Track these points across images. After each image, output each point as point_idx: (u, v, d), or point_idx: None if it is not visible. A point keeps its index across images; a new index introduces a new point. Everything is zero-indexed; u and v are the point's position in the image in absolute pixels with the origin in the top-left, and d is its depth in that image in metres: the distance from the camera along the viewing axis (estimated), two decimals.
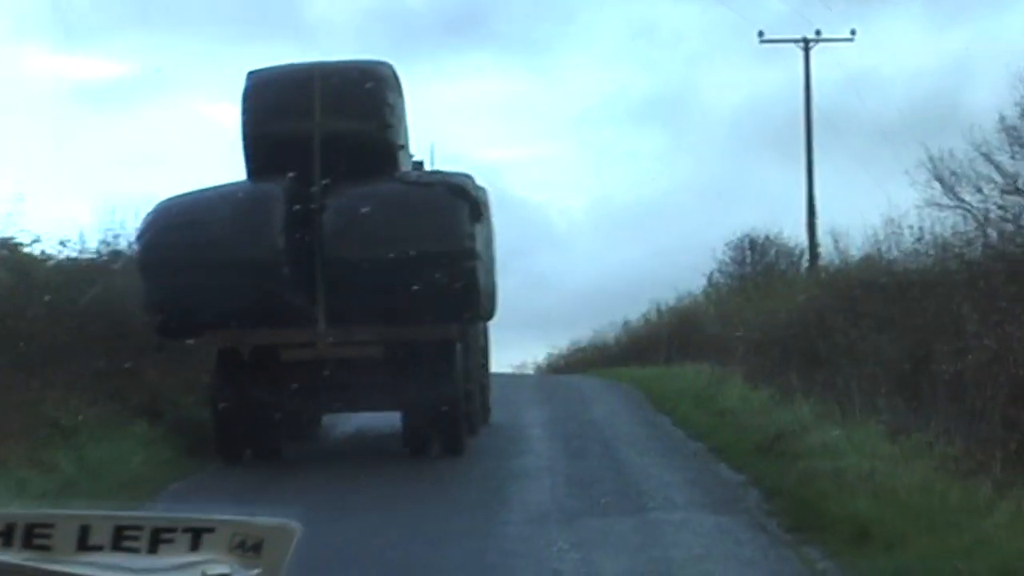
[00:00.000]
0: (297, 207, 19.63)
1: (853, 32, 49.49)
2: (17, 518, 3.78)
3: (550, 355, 54.50)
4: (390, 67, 21.27)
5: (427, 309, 19.45)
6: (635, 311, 47.50)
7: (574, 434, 23.44)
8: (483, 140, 73.27)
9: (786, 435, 19.26)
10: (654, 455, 20.77)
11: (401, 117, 21.19)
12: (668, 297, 46.13)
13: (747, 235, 49.23)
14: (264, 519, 3.80)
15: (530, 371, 51.52)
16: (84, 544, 3.77)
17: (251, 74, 20.95)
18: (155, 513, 3.85)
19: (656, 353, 41.07)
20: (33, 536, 3.76)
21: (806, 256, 48.24)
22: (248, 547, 3.77)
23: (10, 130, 56.27)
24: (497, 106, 73.27)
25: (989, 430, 15.43)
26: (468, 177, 20.85)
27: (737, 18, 68.62)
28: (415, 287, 19.04)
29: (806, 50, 49.35)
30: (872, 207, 51.39)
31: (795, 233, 48.41)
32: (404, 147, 21.41)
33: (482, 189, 21.38)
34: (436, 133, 53.11)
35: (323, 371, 19.94)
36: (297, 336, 19.89)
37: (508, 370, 43.40)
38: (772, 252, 49.45)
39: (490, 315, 23.00)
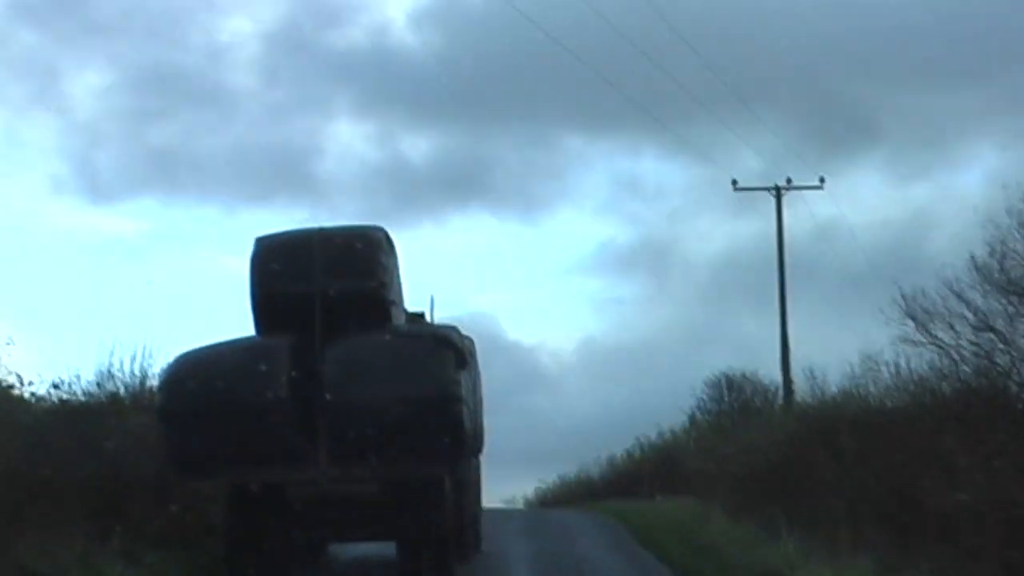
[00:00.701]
0: (300, 358, 20.90)
1: (822, 180, 50.04)
2: None
3: (539, 489, 53.72)
4: (383, 231, 22.57)
5: (417, 448, 20.56)
6: (620, 446, 47.27)
7: (560, 571, 22.43)
8: (480, 287, 78.12)
9: (773, 574, 18.24)
10: None
11: (394, 276, 22.49)
12: (651, 433, 45.52)
13: (724, 374, 48.91)
14: None
15: (520, 505, 50.65)
16: None
17: (259, 240, 22.27)
18: None
19: (639, 487, 40.11)
20: None
21: (780, 393, 47.53)
22: None
23: (28, 278, 59.52)
24: (494, 256, 77.98)
25: (986, 572, 14.46)
26: (454, 329, 22.11)
27: (714, 173, 70.02)
28: (405, 429, 20.31)
29: (778, 197, 50.09)
30: (844, 346, 51.03)
31: (770, 371, 48.18)
32: (397, 303, 22.62)
33: (468, 339, 22.71)
34: (437, 281, 59.15)
35: (325, 505, 21.21)
36: (301, 474, 20.99)
37: (499, 504, 42.75)
38: (748, 390, 48.96)
39: (476, 452, 24.33)
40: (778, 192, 50.54)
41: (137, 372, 25.04)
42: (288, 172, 71.23)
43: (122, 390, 25.06)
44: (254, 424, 20.35)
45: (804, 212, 52.43)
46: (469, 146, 75.93)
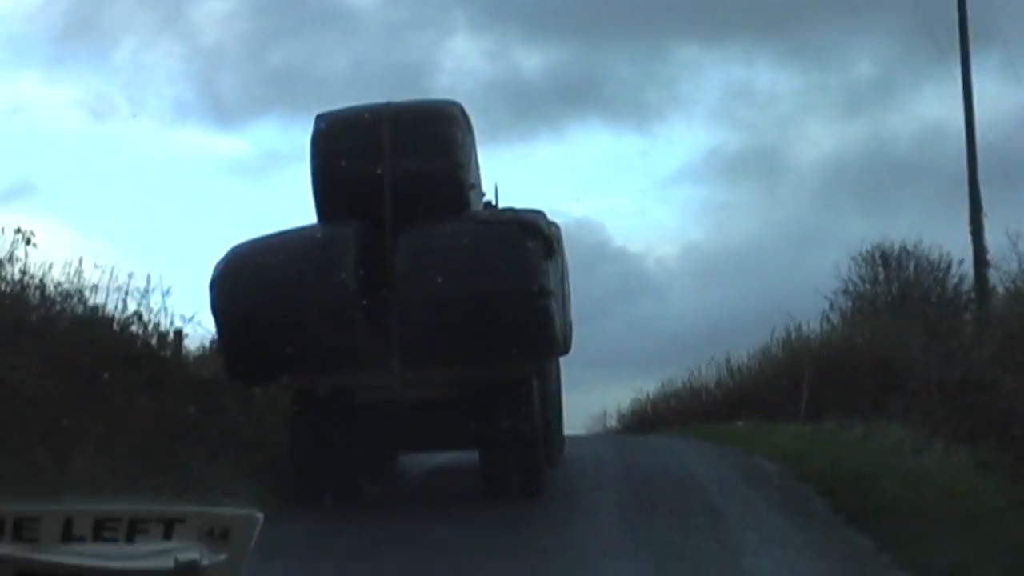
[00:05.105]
0: (368, 248, 18.97)
1: None
2: (6, 514, 3.91)
3: (635, 401, 36.39)
4: (459, 106, 20.37)
5: (502, 347, 18.29)
6: (738, 352, 35.66)
7: None
8: (590, 193, 72.29)
9: None
10: None
11: (471, 156, 20.24)
12: (782, 327, 30.07)
13: (878, 246, 32.76)
14: (230, 509, 3.91)
15: (613, 422, 34.75)
16: (68, 535, 3.90)
17: (320, 117, 20.13)
18: (131, 506, 3.93)
19: (782, 402, 23.45)
20: (21, 529, 3.86)
21: (954, 270, 32.17)
22: (216, 535, 3.85)
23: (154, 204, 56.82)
24: (604, 164, 71.00)
25: None
26: (540, 214, 19.61)
27: (827, 77, 63.38)
28: (489, 325, 18.20)
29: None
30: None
31: (937, 243, 33.32)
32: (475, 186, 20.29)
33: (554, 225, 20.05)
34: (548, 186, 55.59)
35: (398, 411, 19.20)
36: (371, 378, 18.87)
37: (580, 429, 31.56)
38: (910, 266, 32.12)
39: (565, 350, 21.41)
40: None
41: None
42: (406, 88, 66.03)
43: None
44: (317, 322, 18.05)
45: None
46: (584, 59, 70.43)
